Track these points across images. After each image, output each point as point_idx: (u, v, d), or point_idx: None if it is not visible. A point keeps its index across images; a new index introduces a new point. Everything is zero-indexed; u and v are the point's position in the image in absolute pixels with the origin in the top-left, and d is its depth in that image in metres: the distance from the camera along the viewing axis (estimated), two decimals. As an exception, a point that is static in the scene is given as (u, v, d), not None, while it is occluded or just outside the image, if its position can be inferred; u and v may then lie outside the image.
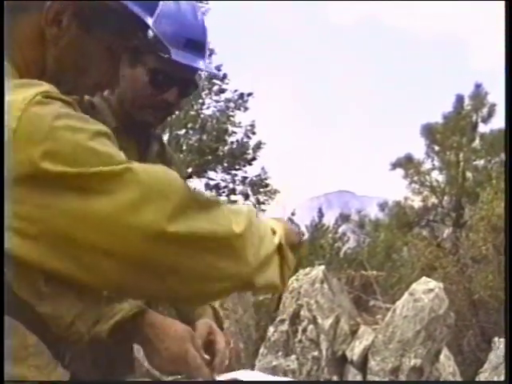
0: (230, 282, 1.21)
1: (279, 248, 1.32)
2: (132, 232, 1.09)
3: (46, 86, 1.14)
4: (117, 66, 1.38)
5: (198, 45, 2.04)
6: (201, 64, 2.06)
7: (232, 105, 15.88)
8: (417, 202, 14.81)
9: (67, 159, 1.08)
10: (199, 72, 2.15)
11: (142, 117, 2.05)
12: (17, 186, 1.06)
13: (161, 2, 1.92)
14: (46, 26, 1.24)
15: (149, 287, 1.16)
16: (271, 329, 6.31)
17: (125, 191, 1.09)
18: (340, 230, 15.05)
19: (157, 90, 2.02)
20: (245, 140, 15.82)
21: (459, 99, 15.09)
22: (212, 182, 15.98)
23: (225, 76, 15.96)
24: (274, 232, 1.34)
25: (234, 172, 16.11)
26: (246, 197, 16.07)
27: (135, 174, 1.11)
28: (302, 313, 6.17)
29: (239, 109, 15.91)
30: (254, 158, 16.05)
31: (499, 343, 6.36)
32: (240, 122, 15.94)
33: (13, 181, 1.05)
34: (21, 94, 1.10)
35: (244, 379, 1.63)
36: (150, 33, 1.84)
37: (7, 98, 1.09)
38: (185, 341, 1.66)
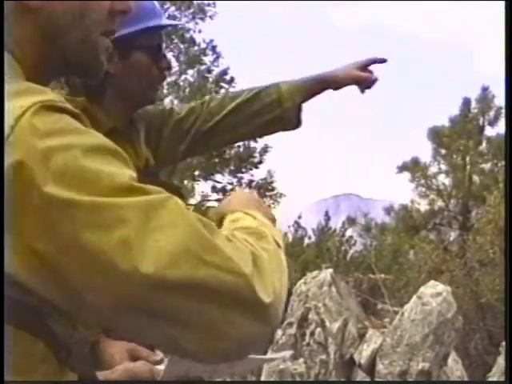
0: (251, 342, 1.06)
1: None
2: (125, 274, 0.96)
3: (50, 95, 1.03)
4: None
5: (158, 8, 2.14)
6: (166, 20, 2.18)
7: (239, 108, 15.89)
8: (423, 206, 14.80)
9: (56, 181, 0.96)
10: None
11: (154, 96, 2.11)
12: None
13: None
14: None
15: (147, 332, 1.04)
16: (279, 332, 6.32)
17: (119, 227, 0.97)
18: (347, 233, 15.04)
19: (157, 64, 2.07)
20: (251, 143, 15.84)
21: (466, 102, 15.08)
22: (218, 185, 16.01)
23: (232, 79, 15.97)
24: (278, 245, 1.19)
25: (240, 175, 16.13)
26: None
27: (138, 206, 0.98)
28: (309, 316, 6.17)
29: (246, 112, 15.91)
30: (260, 162, 16.07)
31: (507, 347, 6.35)
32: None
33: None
34: (21, 100, 1.00)
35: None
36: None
37: (7, 103, 1.00)
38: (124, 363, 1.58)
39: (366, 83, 2.23)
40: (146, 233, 0.97)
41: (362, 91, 2.26)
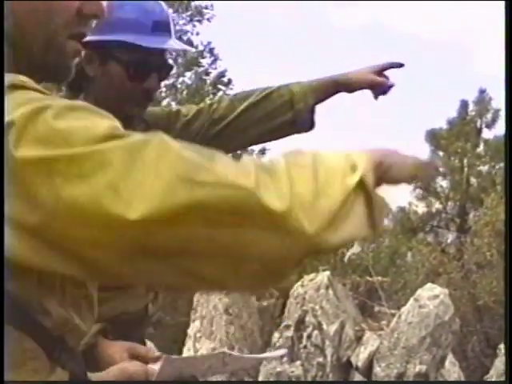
0: (276, 257, 0.96)
1: (363, 187, 1.04)
2: (118, 220, 0.92)
3: (19, 77, 1.02)
4: None
5: (164, 25, 2.03)
6: (171, 43, 2.04)
7: (236, 110, 15.90)
8: (421, 208, 14.82)
9: (28, 144, 0.93)
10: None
11: (129, 111, 2.00)
12: None
13: None
14: None
15: (165, 274, 0.98)
16: (276, 334, 6.31)
17: (102, 173, 0.92)
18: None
19: (136, 82, 1.96)
20: (249, 145, 15.83)
21: (463, 105, 15.11)
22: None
23: (229, 81, 15.98)
24: (353, 168, 1.05)
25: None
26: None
27: (121, 148, 0.94)
28: (306, 318, 6.16)
29: (243, 114, 15.92)
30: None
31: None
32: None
33: None
34: None
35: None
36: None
37: None
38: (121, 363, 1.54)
39: (380, 88, 2.17)
40: (132, 173, 0.92)
41: (376, 97, 2.18)
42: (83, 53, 2.12)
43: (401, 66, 2.21)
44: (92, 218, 0.92)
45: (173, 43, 2.06)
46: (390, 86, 2.18)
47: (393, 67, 2.21)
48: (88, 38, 2.05)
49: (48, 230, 0.94)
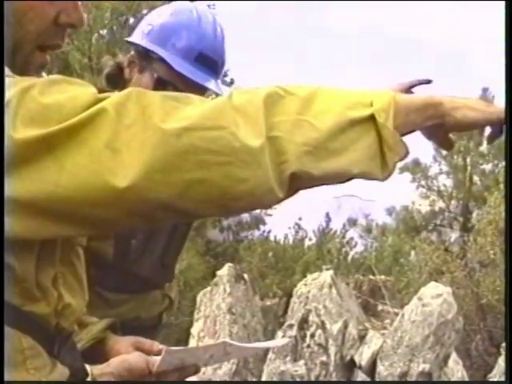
0: (264, 192, 1.01)
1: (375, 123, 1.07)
2: (118, 177, 0.96)
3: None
4: None
5: (210, 61, 2.00)
6: (210, 84, 1.99)
7: (239, 110, 15.89)
8: (424, 207, 14.79)
9: (24, 124, 0.96)
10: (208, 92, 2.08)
11: None
12: None
13: (183, 12, 1.92)
14: None
15: (159, 219, 1.05)
16: (279, 334, 6.31)
17: (97, 136, 0.96)
18: (348, 234, 15.02)
19: None
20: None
21: (466, 103, 15.03)
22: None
23: (232, 81, 15.98)
24: (366, 104, 1.09)
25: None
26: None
27: (104, 112, 0.97)
28: (310, 318, 6.16)
29: (246, 114, 15.91)
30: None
31: (508, 348, 6.32)
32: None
33: None
34: None
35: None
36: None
37: None
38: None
39: None
40: (123, 130, 0.96)
41: None
42: (131, 53, 2.12)
43: (429, 82, 2.18)
44: (96, 179, 0.96)
45: (210, 84, 1.99)
46: None
47: (421, 84, 2.18)
48: (139, 42, 2.05)
49: (53, 199, 0.97)
